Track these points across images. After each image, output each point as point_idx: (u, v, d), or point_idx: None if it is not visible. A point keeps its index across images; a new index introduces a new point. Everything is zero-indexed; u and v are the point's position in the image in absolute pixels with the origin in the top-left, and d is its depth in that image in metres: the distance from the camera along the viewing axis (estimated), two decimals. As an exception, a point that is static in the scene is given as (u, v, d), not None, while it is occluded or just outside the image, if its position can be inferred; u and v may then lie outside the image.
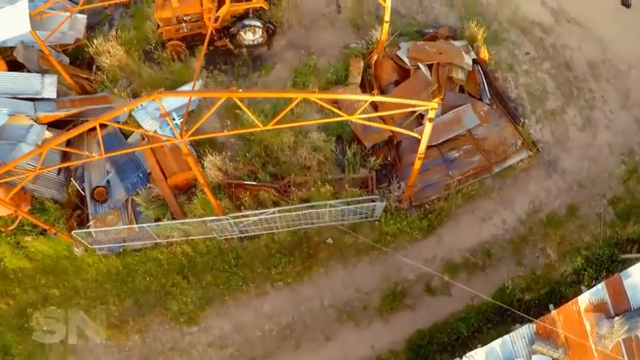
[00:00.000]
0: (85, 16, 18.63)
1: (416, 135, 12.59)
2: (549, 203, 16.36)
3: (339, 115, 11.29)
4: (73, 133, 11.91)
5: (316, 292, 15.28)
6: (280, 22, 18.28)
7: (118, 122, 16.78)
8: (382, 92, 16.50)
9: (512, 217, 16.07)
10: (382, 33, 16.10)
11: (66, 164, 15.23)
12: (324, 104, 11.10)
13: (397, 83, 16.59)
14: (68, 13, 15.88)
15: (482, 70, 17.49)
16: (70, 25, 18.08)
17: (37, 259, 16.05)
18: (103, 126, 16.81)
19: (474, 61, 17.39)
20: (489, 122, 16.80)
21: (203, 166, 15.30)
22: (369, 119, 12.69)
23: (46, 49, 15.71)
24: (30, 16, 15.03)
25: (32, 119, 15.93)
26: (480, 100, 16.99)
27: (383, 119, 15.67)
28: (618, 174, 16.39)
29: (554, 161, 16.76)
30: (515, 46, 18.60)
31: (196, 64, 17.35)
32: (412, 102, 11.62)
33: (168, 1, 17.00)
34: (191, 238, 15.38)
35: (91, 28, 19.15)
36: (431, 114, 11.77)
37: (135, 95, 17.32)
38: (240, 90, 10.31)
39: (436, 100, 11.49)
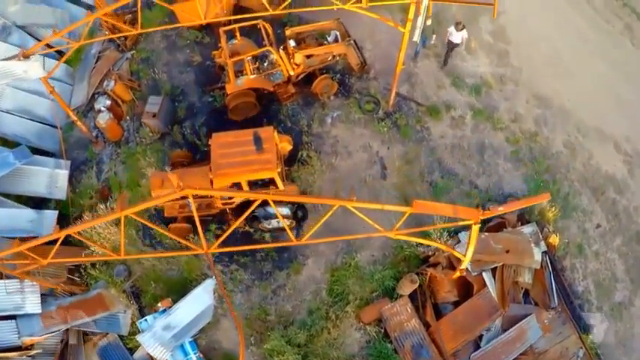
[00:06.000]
0: (66, 172, 14.67)
1: None
2: (599, 420, 15.10)
3: None
4: None
5: None
6: (312, 191, 14.72)
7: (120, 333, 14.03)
8: (438, 311, 13.90)
9: None
10: (456, 271, 13.10)
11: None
12: None
13: (456, 303, 13.93)
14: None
15: (550, 260, 14.93)
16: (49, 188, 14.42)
17: None
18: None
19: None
20: (552, 331, 14.68)
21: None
22: None
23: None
24: None
25: (17, 345, 12.98)
26: (546, 307, 14.66)
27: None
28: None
29: (614, 370, 15.22)
30: (587, 217, 15.96)
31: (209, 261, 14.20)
32: None
33: (167, 178, 13.09)
34: None
35: (77, 169, 15.29)
36: None
37: (136, 293, 14.17)
38: None
39: None
